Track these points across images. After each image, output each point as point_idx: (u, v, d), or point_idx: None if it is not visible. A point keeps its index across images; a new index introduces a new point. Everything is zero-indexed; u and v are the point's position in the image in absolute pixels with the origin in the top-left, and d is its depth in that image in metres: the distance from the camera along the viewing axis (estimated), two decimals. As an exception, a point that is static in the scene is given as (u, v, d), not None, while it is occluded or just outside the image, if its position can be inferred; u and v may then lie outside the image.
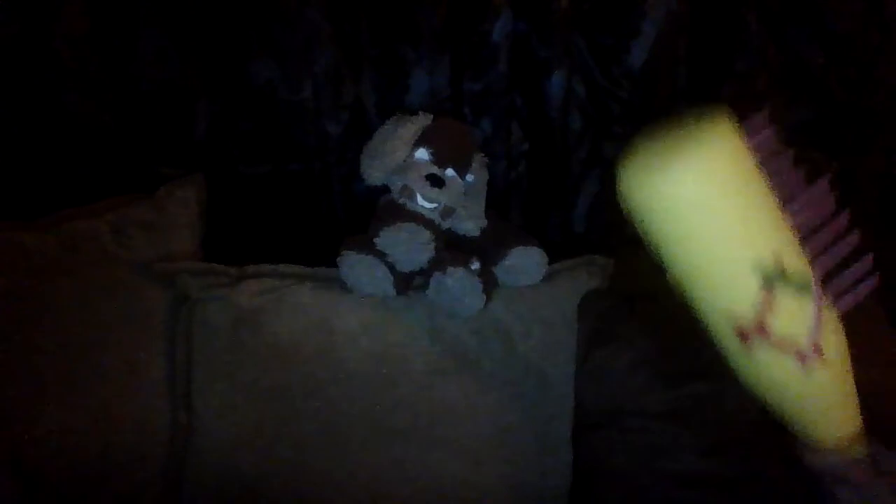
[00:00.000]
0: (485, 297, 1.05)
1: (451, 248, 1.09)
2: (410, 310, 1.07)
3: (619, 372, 1.08)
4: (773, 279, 0.64)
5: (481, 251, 1.09)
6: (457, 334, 1.07)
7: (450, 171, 1.08)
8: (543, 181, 1.25)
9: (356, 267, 1.05)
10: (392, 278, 1.05)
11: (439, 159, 1.08)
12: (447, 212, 1.08)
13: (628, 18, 1.15)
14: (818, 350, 0.67)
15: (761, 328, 0.66)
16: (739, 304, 0.66)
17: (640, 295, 1.12)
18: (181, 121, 1.20)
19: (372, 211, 1.11)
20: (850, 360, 0.71)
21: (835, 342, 0.69)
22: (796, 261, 0.66)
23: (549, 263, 1.11)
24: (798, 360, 0.67)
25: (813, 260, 0.67)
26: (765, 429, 0.96)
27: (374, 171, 1.09)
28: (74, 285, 1.05)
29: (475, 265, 1.06)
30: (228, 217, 1.22)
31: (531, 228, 1.21)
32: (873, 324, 1.09)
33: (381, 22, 1.16)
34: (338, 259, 1.06)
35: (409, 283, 1.08)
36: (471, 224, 1.11)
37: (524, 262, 1.09)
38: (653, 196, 0.64)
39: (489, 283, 1.07)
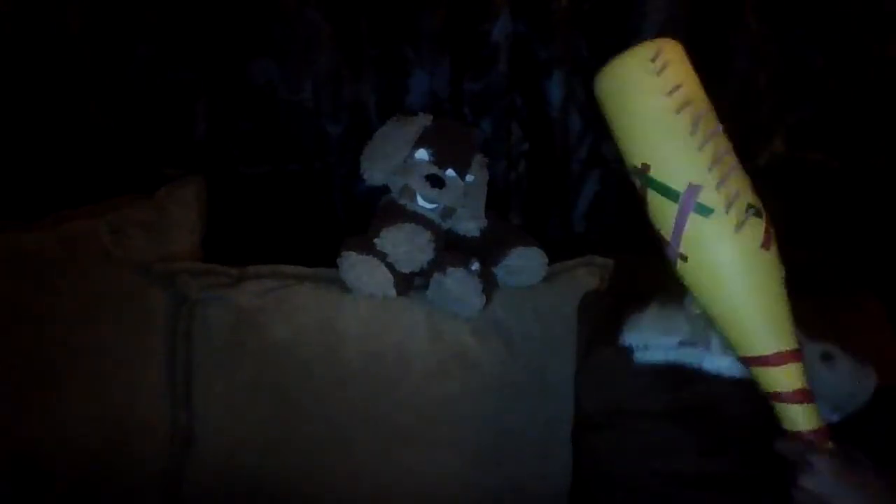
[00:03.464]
0: (485, 297, 1.05)
1: (451, 248, 1.09)
2: (410, 310, 1.07)
3: (619, 372, 1.08)
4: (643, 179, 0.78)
5: (481, 251, 1.09)
6: (457, 334, 1.07)
7: (450, 172, 1.08)
8: (543, 181, 1.25)
9: (356, 267, 1.05)
10: (392, 278, 1.05)
11: (439, 160, 1.08)
12: (447, 212, 1.08)
13: (628, 18, 1.16)
14: (682, 256, 0.78)
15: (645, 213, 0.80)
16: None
17: (640, 295, 1.12)
18: (181, 121, 1.20)
19: (372, 211, 1.11)
20: (753, 279, 0.76)
21: (709, 255, 0.77)
22: (672, 172, 0.77)
23: (549, 263, 1.11)
24: (670, 254, 0.79)
25: (718, 184, 0.76)
26: (765, 429, 0.97)
27: (374, 172, 1.09)
28: (74, 286, 1.05)
29: (475, 265, 1.06)
30: (228, 217, 1.22)
31: (531, 228, 1.21)
32: (873, 323, 1.09)
33: (381, 22, 1.16)
34: (338, 259, 1.06)
35: (409, 283, 1.08)
36: (471, 224, 1.11)
37: (524, 262, 1.09)
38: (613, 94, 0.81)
39: (489, 284, 1.07)
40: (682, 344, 0.97)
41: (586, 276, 1.12)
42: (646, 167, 0.78)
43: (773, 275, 0.77)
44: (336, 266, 1.06)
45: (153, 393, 1.06)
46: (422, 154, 1.09)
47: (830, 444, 0.76)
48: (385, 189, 1.11)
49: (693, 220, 0.76)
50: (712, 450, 0.97)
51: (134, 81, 1.18)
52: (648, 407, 1.02)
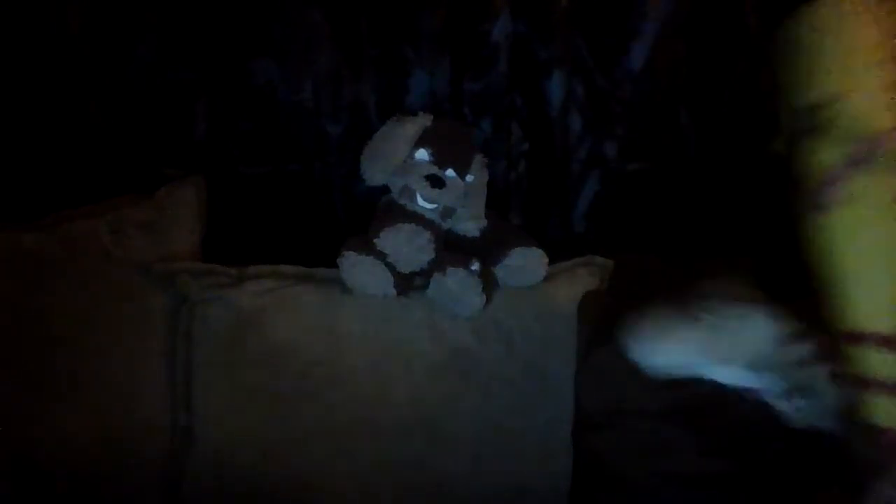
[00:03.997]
0: (485, 297, 1.05)
1: (451, 248, 1.09)
2: (410, 310, 1.07)
3: (619, 372, 1.08)
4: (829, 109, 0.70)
5: (481, 251, 1.09)
6: (457, 334, 1.07)
7: (450, 172, 1.08)
8: (543, 181, 1.25)
9: (357, 267, 1.05)
10: (392, 279, 1.05)
11: (439, 160, 1.08)
12: (447, 212, 1.08)
13: (628, 19, 1.16)
14: (832, 204, 0.69)
15: None
16: None
17: (640, 295, 1.12)
18: (181, 121, 1.20)
19: (372, 211, 1.11)
20: None
21: (867, 208, 0.69)
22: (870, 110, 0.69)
23: (549, 263, 1.11)
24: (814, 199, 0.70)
25: None
26: (765, 429, 0.97)
27: (374, 172, 1.09)
28: (74, 286, 1.05)
29: (475, 265, 1.06)
30: (229, 217, 1.22)
31: (531, 228, 1.21)
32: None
33: (381, 22, 1.16)
34: (338, 259, 1.06)
35: (409, 283, 1.08)
36: (471, 224, 1.11)
37: (524, 263, 1.09)
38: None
39: (489, 283, 1.07)
40: (699, 365, 0.95)
41: (586, 276, 1.12)
42: (840, 96, 0.69)
43: None
44: (336, 266, 1.06)
45: (153, 393, 1.06)
46: (422, 154, 1.09)
47: None
48: (385, 189, 1.11)
49: (870, 165, 0.68)
50: (713, 450, 0.97)
51: (134, 81, 1.18)
52: (649, 407, 1.01)
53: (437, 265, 1.05)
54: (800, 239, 0.74)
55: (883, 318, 0.70)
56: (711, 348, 0.94)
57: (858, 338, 0.70)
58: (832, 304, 0.72)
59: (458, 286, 1.04)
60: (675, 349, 0.95)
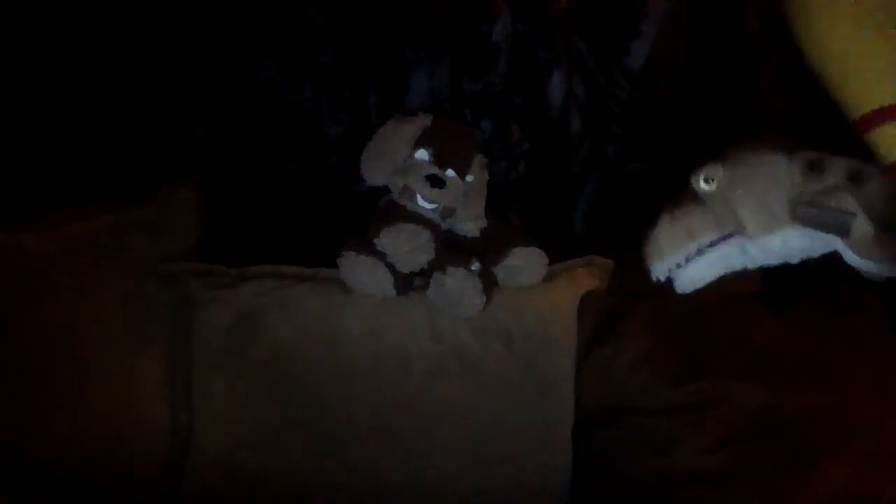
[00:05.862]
0: (485, 297, 1.05)
1: (451, 248, 1.09)
2: (410, 310, 1.07)
3: (619, 371, 1.08)
4: None
5: (481, 251, 1.09)
6: (457, 334, 1.07)
7: (450, 172, 1.08)
8: (543, 181, 1.25)
9: (356, 267, 1.05)
10: (392, 279, 1.05)
11: (439, 160, 1.08)
12: (447, 212, 1.08)
13: (628, 19, 1.16)
14: None
15: None
16: None
17: (640, 294, 1.12)
18: (181, 121, 1.20)
19: (372, 211, 1.11)
20: None
21: None
22: None
23: (549, 263, 1.11)
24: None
25: None
26: (766, 426, 0.97)
27: (374, 172, 1.09)
28: (74, 286, 1.05)
29: (475, 265, 1.06)
30: (229, 218, 1.22)
31: (531, 228, 1.21)
32: (873, 324, 1.09)
33: (381, 22, 1.16)
34: (338, 260, 1.06)
35: (409, 283, 1.08)
36: (471, 224, 1.11)
37: (524, 263, 1.09)
38: None
39: (489, 283, 1.07)
40: (714, 244, 0.84)
41: (586, 276, 1.12)
42: None
43: None
44: (336, 266, 1.06)
45: (153, 393, 1.06)
46: (422, 154, 1.09)
47: None
48: (385, 189, 1.11)
49: None
50: (712, 446, 0.97)
51: (134, 81, 1.18)
52: (649, 405, 1.02)
53: (437, 265, 1.05)
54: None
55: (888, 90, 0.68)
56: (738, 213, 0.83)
57: (876, 119, 0.69)
58: (843, 103, 0.71)
59: (458, 286, 1.04)
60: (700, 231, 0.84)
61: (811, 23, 0.71)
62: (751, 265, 0.86)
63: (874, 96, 0.69)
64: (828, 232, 0.80)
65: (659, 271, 0.89)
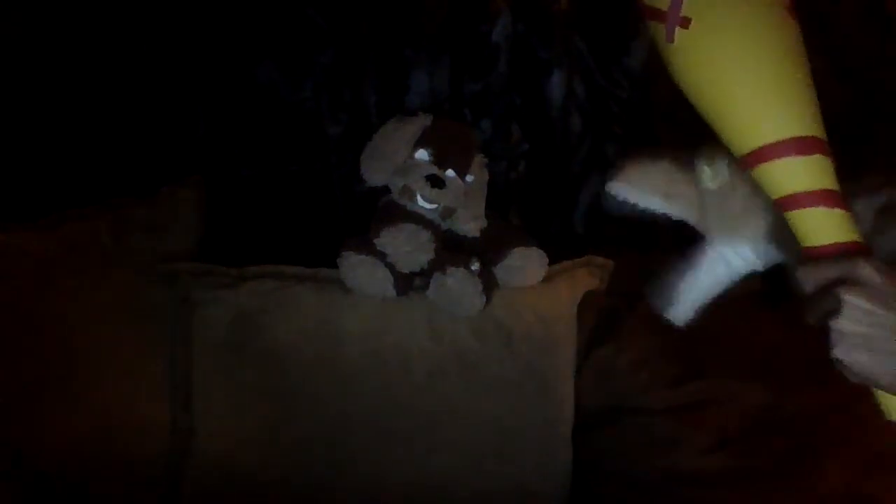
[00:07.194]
0: (485, 297, 1.05)
1: (451, 248, 1.09)
2: (410, 310, 1.07)
3: (619, 371, 1.08)
4: None
5: (481, 251, 1.09)
6: (457, 334, 1.07)
7: (450, 172, 1.08)
8: (543, 181, 1.25)
9: (357, 267, 1.05)
10: (392, 279, 1.05)
11: (439, 160, 1.08)
12: (447, 212, 1.08)
13: (628, 19, 1.16)
14: (684, 22, 0.64)
15: None
16: None
17: (640, 295, 1.12)
18: (181, 121, 1.20)
19: (372, 211, 1.11)
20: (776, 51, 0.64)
21: (722, 13, 0.64)
22: None
23: (549, 263, 1.11)
24: (667, 26, 0.65)
25: None
26: (766, 426, 0.97)
27: (374, 172, 1.09)
28: (74, 285, 1.05)
29: (475, 265, 1.06)
30: (229, 218, 1.22)
31: (531, 228, 1.21)
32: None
33: (381, 22, 1.16)
34: (338, 260, 1.06)
35: (409, 283, 1.08)
36: (471, 224, 1.11)
37: (524, 263, 1.09)
38: None
39: (489, 283, 1.07)
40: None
41: (586, 276, 1.12)
42: None
43: (795, 47, 0.65)
44: (336, 266, 1.06)
45: (153, 393, 1.06)
46: (422, 154, 1.09)
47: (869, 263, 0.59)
48: (385, 189, 1.11)
49: None
50: (712, 446, 0.97)
51: (134, 82, 1.18)
52: (649, 405, 1.02)
53: (437, 265, 1.05)
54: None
55: (784, 124, 0.64)
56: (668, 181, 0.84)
57: (766, 153, 0.64)
58: (728, 135, 0.67)
59: (458, 286, 1.04)
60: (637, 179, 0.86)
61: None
62: (743, 272, 0.86)
63: (776, 127, 0.65)
64: None
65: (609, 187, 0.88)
